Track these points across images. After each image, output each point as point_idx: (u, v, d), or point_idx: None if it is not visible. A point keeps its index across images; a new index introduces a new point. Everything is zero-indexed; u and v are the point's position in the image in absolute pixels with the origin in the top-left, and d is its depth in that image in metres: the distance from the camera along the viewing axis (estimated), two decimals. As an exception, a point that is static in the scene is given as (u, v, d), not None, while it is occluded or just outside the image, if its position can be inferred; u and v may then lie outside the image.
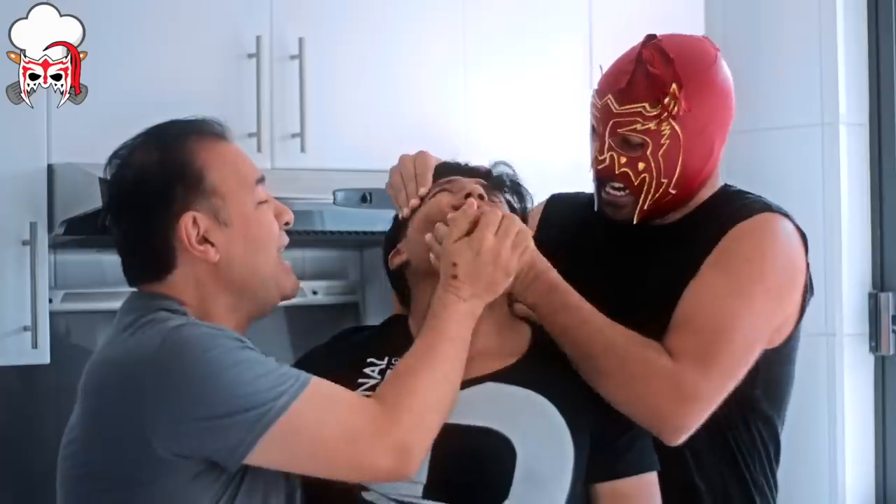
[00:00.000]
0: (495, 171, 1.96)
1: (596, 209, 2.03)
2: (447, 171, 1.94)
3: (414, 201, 1.89)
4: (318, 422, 1.61)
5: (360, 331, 2.04)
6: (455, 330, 1.73)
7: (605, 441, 1.82)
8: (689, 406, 1.81)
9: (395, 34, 2.78)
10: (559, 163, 3.04)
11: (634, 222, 1.98)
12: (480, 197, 1.85)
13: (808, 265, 1.98)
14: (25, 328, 2.31)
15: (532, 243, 1.82)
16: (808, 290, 1.98)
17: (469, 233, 1.77)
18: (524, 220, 1.92)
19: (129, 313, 1.69)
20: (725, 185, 2.06)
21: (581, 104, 3.13)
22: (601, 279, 1.95)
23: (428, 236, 1.81)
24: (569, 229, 2.07)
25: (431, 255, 1.80)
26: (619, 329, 1.84)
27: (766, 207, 1.97)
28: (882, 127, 3.16)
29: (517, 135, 2.84)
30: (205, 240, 1.69)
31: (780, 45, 3.24)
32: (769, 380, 1.95)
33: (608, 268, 2.01)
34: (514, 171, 1.97)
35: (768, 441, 2.01)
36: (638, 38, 1.99)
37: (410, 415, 1.64)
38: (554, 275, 1.87)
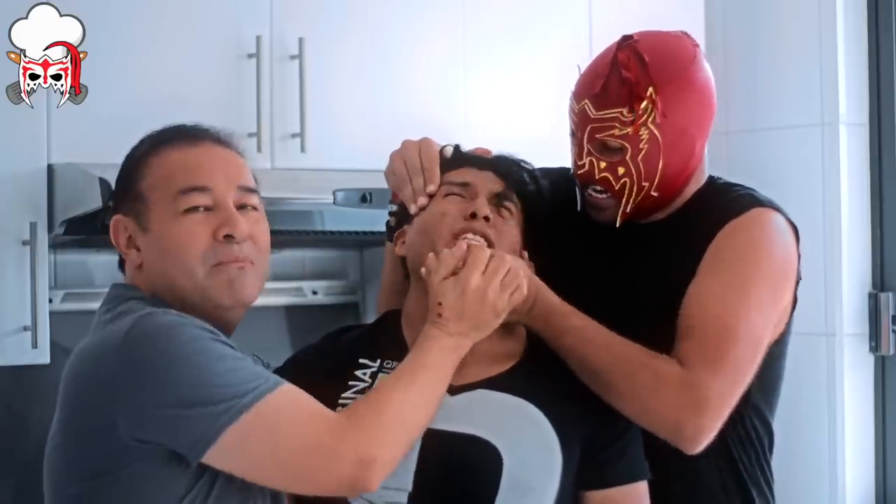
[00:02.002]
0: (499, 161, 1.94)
1: (579, 209, 2.02)
2: (455, 161, 1.92)
3: (423, 200, 1.87)
4: (280, 426, 1.58)
5: (350, 330, 2.03)
6: (435, 360, 1.71)
7: (596, 450, 1.81)
8: (702, 411, 1.80)
9: (395, 34, 2.78)
10: (560, 162, 3.04)
11: (617, 225, 1.96)
12: (486, 219, 1.83)
13: (799, 256, 1.98)
14: (25, 328, 2.31)
15: (524, 281, 1.78)
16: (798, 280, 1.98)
17: (456, 272, 1.75)
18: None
19: (104, 305, 1.72)
20: (711, 177, 2.04)
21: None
22: (590, 277, 1.95)
23: (430, 257, 1.79)
24: (554, 213, 2.02)
25: (422, 269, 1.79)
26: (624, 343, 1.83)
27: (757, 202, 1.96)
28: (882, 127, 3.16)
29: (517, 134, 2.84)
30: (132, 244, 1.72)
31: (780, 45, 3.24)
32: (763, 375, 1.95)
33: (597, 266, 2.00)
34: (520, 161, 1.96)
35: (763, 434, 2.01)
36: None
37: (376, 430, 1.62)
38: (551, 298, 1.85)
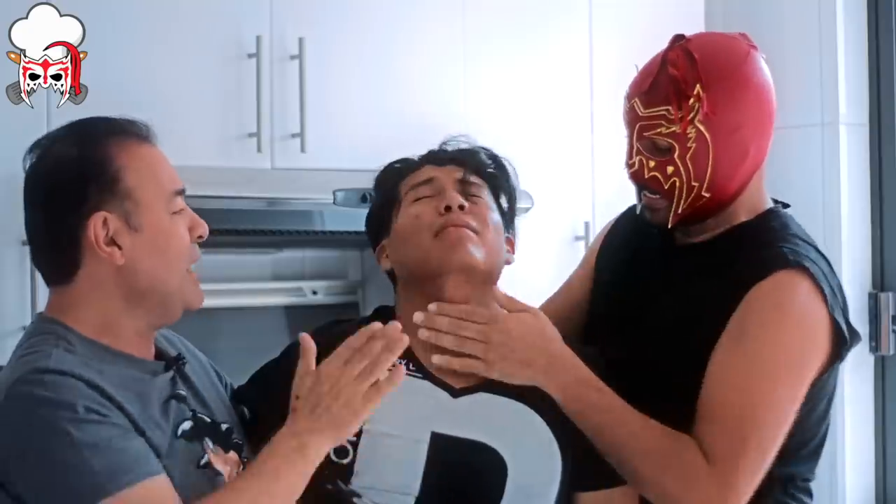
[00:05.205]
0: (454, 149, 1.95)
1: (638, 213, 2.01)
2: (416, 163, 1.93)
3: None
4: None
5: (340, 323, 2.00)
6: (275, 464, 1.59)
7: (591, 452, 1.82)
8: (729, 501, 1.80)
9: (395, 34, 2.78)
10: (560, 159, 3.04)
11: (669, 226, 1.95)
12: (461, 207, 1.84)
13: (833, 317, 1.87)
14: (25, 328, 2.30)
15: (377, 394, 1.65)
16: (843, 340, 1.88)
17: None
18: (506, 179, 1.93)
19: (25, 338, 1.68)
20: (773, 211, 2.00)
21: (582, 98, 3.13)
22: (636, 298, 1.96)
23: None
24: (626, 247, 2.06)
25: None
26: (653, 430, 1.82)
27: (786, 262, 1.88)
28: (882, 127, 3.16)
29: (518, 134, 2.84)
30: (112, 242, 1.65)
31: (780, 45, 3.24)
32: (799, 440, 1.94)
33: (634, 285, 2.00)
34: (487, 151, 1.97)
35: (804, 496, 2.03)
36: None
37: None
38: (586, 370, 1.84)
